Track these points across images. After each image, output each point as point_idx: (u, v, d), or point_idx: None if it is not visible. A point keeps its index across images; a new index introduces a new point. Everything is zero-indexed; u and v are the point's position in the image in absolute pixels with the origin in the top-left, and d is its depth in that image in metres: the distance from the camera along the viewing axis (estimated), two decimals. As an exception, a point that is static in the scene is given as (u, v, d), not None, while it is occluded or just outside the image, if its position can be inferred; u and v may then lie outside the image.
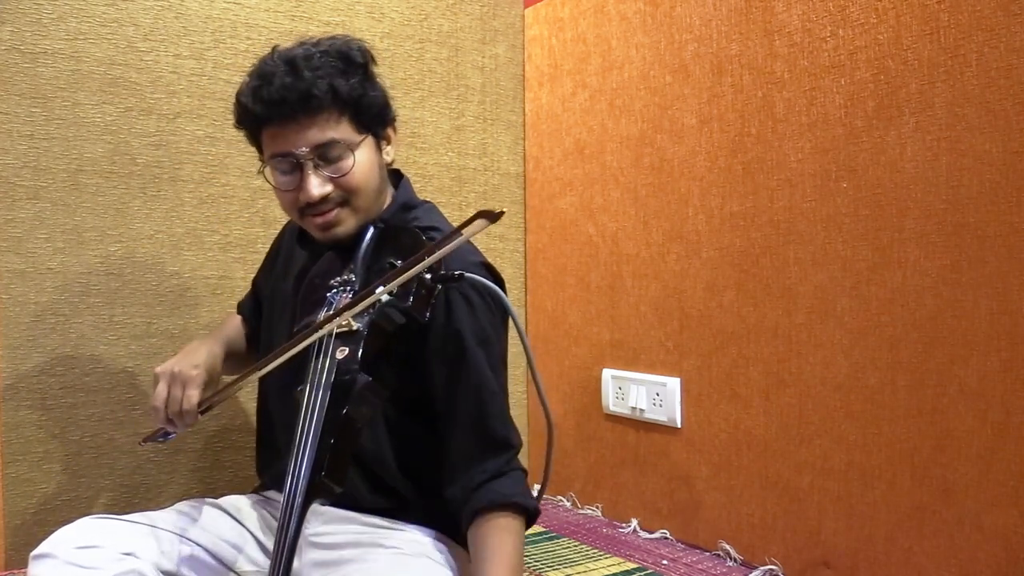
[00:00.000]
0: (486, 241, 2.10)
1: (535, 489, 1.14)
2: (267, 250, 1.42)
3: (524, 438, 2.18)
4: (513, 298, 2.16)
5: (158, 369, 1.09)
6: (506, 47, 2.16)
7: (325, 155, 1.05)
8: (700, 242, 1.69)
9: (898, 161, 1.35)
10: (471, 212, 2.05)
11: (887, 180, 1.36)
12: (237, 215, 1.74)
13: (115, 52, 1.61)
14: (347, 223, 1.09)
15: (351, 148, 1.06)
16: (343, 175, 1.05)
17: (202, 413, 1.07)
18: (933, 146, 1.30)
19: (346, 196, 1.07)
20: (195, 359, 1.11)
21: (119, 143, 1.61)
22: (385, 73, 1.94)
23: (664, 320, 1.78)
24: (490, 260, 1.17)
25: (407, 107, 1.98)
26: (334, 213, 1.08)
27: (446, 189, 2.05)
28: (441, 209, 2.00)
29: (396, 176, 1.23)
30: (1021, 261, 1.20)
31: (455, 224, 1.21)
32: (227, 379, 1.14)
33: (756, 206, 1.58)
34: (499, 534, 1.03)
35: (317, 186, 1.05)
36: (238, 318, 1.41)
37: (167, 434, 1.11)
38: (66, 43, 1.56)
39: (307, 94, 1.01)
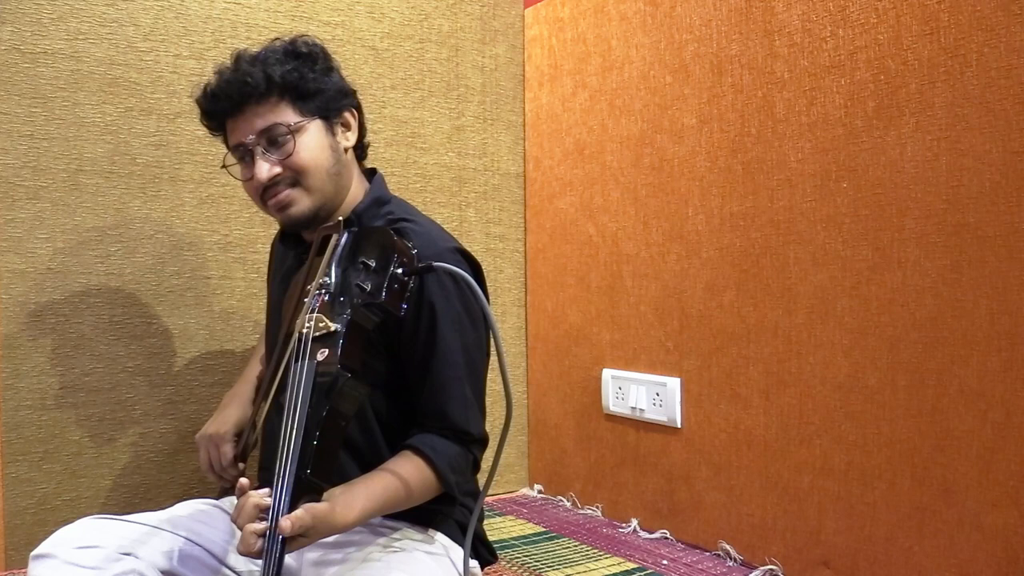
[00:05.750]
0: (486, 241, 2.10)
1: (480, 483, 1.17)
2: (267, 250, 1.44)
3: (523, 437, 2.18)
4: (513, 298, 2.16)
5: (197, 436, 1.28)
6: (506, 47, 2.16)
7: (271, 139, 1.12)
8: (700, 242, 1.69)
9: (898, 161, 1.35)
10: (471, 212, 2.09)
11: (887, 180, 1.36)
12: (237, 215, 1.74)
13: (115, 52, 1.61)
14: (301, 203, 1.14)
15: (293, 131, 1.12)
16: (287, 156, 1.12)
17: (243, 461, 1.23)
18: (933, 146, 1.30)
19: (296, 177, 1.13)
20: (224, 417, 1.28)
21: (119, 143, 1.61)
22: (385, 73, 1.96)
23: (664, 320, 1.78)
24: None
25: (407, 107, 1.98)
26: (285, 193, 1.13)
27: (446, 189, 2.05)
28: (441, 209, 2.04)
29: (373, 173, 1.27)
30: (1021, 261, 1.20)
31: (426, 215, 1.25)
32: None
33: (756, 206, 1.58)
34: (403, 462, 1.07)
35: (265, 169, 1.12)
36: (262, 348, 1.43)
37: (230, 486, 1.23)
38: (66, 43, 1.56)
39: (243, 83, 1.10)
